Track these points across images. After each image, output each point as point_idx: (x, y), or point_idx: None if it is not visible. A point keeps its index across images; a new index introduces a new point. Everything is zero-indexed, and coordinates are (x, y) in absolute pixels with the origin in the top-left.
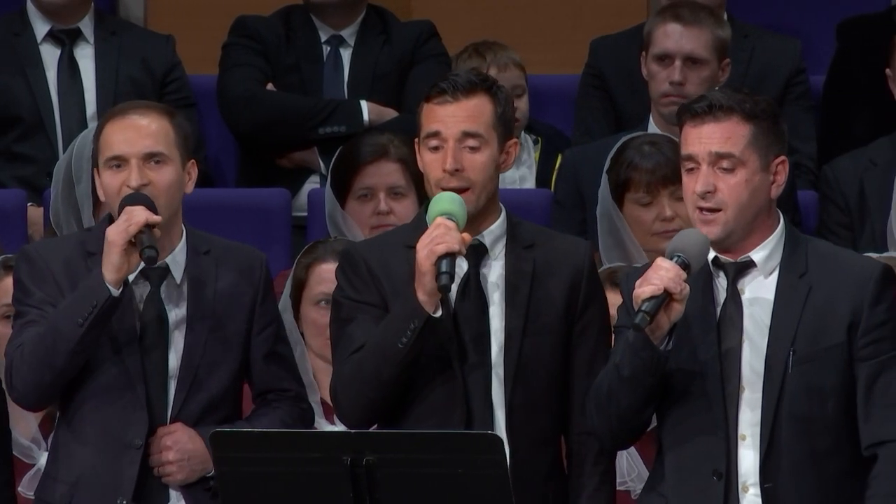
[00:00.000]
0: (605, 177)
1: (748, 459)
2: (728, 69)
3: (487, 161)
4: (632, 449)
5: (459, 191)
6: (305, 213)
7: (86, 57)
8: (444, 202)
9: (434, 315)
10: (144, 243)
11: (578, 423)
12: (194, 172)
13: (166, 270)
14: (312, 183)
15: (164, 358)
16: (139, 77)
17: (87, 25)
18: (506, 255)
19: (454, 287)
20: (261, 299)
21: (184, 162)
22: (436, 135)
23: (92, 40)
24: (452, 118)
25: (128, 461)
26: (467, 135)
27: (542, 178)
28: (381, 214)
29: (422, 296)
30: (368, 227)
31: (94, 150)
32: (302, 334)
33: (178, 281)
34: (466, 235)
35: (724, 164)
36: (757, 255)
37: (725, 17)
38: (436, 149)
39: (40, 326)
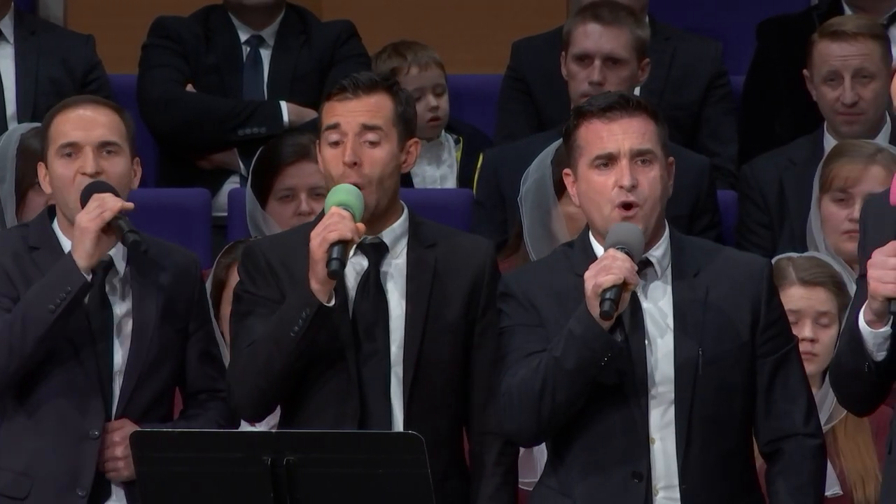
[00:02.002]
0: (548, 169)
1: (660, 461)
2: (647, 69)
3: (386, 157)
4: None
5: (357, 186)
6: (226, 213)
7: (5, 57)
8: (341, 193)
9: (327, 304)
10: (125, 228)
11: (479, 423)
12: (139, 170)
13: (110, 263)
14: (232, 183)
15: (109, 351)
16: (59, 77)
17: (6, 25)
18: (407, 253)
19: (354, 283)
20: (197, 298)
21: (132, 157)
22: (335, 127)
23: (12, 40)
24: (352, 112)
25: (86, 452)
26: (367, 128)
27: (464, 178)
28: (303, 215)
29: (315, 284)
30: (290, 227)
31: (43, 143)
32: (222, 333)
33: (122, 274)
34: (361, 225)
35: (642, 159)
36: (654, 254)
37: (647, 19)
38: (336, 143)
39: (4, 314)
